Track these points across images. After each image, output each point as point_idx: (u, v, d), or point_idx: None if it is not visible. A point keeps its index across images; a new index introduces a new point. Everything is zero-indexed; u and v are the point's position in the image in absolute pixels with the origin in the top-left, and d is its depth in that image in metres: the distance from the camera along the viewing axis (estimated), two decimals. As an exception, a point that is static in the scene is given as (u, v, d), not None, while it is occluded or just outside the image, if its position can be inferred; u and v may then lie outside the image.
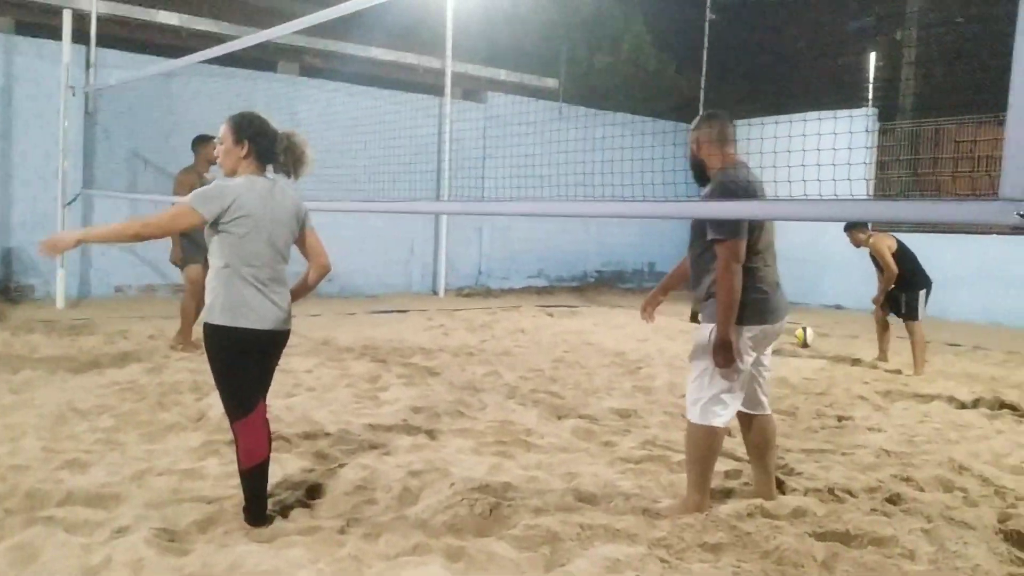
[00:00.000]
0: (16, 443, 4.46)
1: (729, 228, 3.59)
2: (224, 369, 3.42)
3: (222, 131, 3.54)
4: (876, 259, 8.28)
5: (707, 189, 3.82)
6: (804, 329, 9.72)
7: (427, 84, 14.57)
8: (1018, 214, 2.02)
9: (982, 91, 13.15)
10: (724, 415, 3.75)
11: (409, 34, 15.60)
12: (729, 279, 3.60)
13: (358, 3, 5.90)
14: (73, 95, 10.55)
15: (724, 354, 3.64)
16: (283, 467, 4.24)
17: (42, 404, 5.31)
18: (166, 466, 4.19)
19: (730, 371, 3.68)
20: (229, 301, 3.35)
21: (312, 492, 3.92)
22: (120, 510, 3.55)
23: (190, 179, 7.47)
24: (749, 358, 3.75)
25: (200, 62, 8.84)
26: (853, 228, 8.45)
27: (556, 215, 13.87)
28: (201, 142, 7.67)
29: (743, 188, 3.67)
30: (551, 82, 16.92)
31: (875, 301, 8.47)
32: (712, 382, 3.72)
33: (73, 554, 3.05)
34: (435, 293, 14.14)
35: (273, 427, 4.88)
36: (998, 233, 12.64)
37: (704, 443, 3.76)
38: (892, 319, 8.52)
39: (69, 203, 10.47)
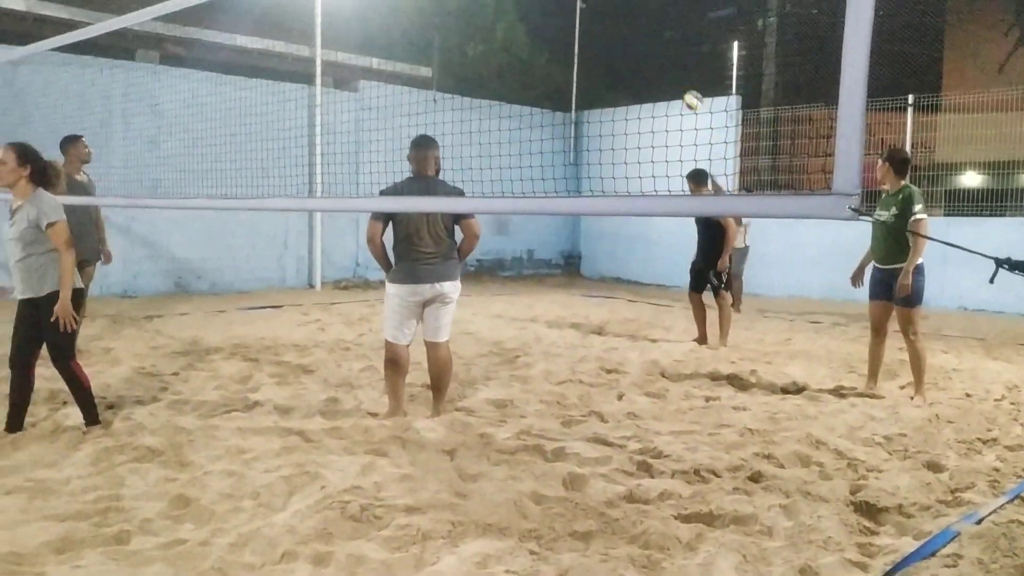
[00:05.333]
0: None
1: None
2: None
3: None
4: (709, 222, 8.34)
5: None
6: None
7: (297, 72, 14.19)
8: (849, 207, 2.13)
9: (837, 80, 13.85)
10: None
11: (277, 21, 15.17)
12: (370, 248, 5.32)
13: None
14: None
15: None
16: (143, 477, 4.06)
17: None
18: (15, 484, 3.95)
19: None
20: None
21: (176, 503, 3.76)
22: (-39, 535, 3.33)
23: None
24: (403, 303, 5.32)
25: (51, 50, 8.30)
26: (696, 180, 8.28)
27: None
28: (70, 141, 7.24)
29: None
30: (424, 71, 16.78)
31: (721, 267, 8.54)
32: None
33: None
34: (311, 286, 13.84)
35: (136, 435, 4.71)
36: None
37: None
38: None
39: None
